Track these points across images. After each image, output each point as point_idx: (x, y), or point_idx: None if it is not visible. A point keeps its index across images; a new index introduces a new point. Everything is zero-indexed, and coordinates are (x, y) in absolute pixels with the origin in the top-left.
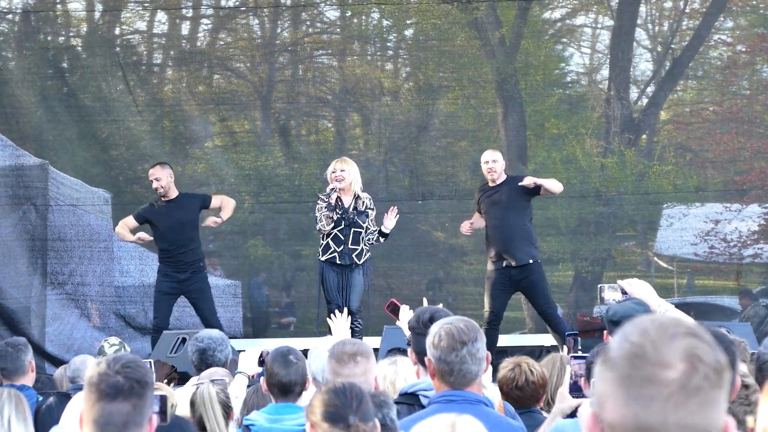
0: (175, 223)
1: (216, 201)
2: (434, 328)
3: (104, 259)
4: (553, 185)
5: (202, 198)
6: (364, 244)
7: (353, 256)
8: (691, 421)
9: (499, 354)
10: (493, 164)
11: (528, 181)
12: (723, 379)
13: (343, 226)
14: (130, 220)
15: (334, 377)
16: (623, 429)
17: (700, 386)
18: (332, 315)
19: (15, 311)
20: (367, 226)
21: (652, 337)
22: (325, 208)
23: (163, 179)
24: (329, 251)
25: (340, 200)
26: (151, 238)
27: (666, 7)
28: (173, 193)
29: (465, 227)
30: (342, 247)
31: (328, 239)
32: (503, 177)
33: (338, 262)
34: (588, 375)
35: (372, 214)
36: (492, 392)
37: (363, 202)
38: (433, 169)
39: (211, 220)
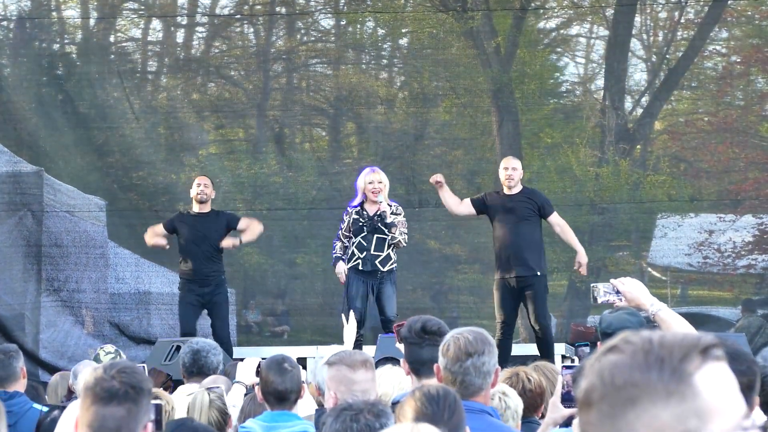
0: (199, 236)
1: (243, 223)
2: (447, 336)
3: (99, 266)
4: (572, 239)
5: (230, 218)
6: (392, 251)
7: (376, 262)
8: None
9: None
10: (513, 171)
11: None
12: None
13: (366, 233)
14: (159, 228)
15: (346, 385)
16: None
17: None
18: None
19: (9, 318)
20: (396, 233)
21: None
22: (349, 225)
23: (209, 187)
24: (354, 258)
25: (364, 209)
26: (166, 246)
27: (661, 18)
28: (208, 207)
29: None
30: (365, 253)
31: (353, 247)
32: (519, 187)
33: (361, 268)
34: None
35: (397, 219)
36: (515, 401)
37: (391, 209)
38: (428, 178)
39: (229, 242)
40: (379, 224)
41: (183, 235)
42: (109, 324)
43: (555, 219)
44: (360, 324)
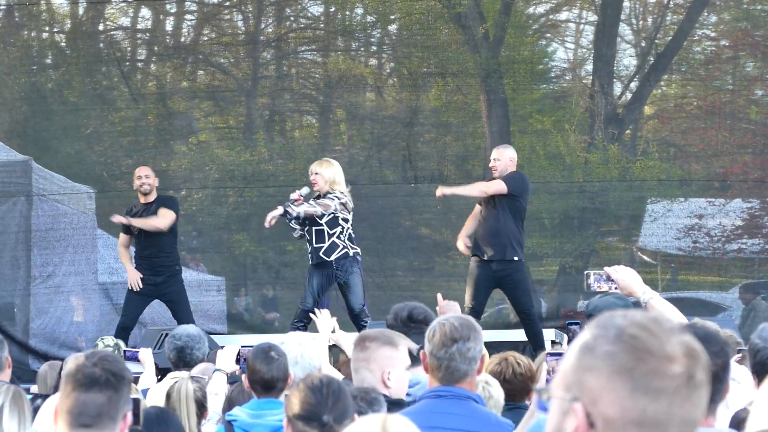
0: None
1: (161, 211)
2: (433, 322)
3: (89, 254)
4: (469, 191)
5: (165, 200)
6: (337, 239)
7: (320, 254)
8: (693, 415)
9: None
10: (494, 162)
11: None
12: (709, 375)
13: (307, 227)
14: (122, 237)
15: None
16: (624, 423)
17: (702, 381)
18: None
19: None
20: (338, 221)
21: (652, 330)
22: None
23: (151, 178)
24: (307, 252)
25: (317, 201)
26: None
27: (650, 2)
28: (153, 196)
29: (462, 244)
30: (310, 247)
31: (305, 241)
32: (507, 173)
33: (310, 262)
34: None
35: (333, 207)
36: (497, 390)
37: (331, 199)
38: (418, 164)
39: (121, 219)
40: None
41: (135, 228)
42: (99, 311)
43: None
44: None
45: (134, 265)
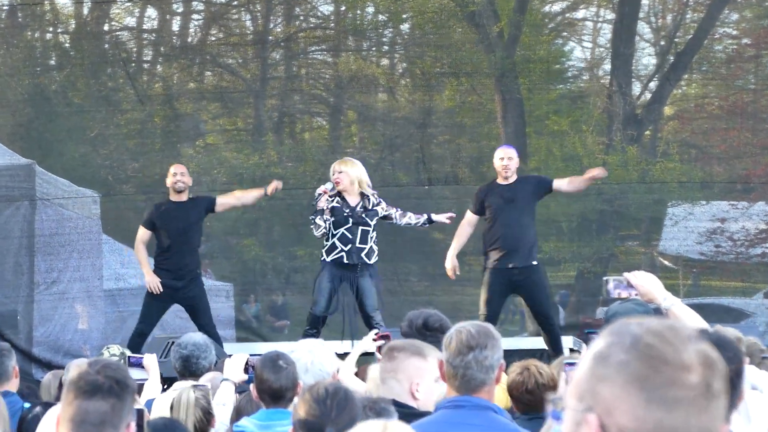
0: (181, 224)
1: (223, 198)
2: (450, 330)
3: (94, 260)
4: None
5: (208, 200)
6: (375, 244)
7: (362, 255)
8: (711, 426)
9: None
10: (509, 161)
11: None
12: (726, 383)
13: (350, 225)
14: (143, 232)
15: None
16: None
17: (720, 390)
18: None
19: (1, 314)
20: (386, 209)
21: (667, 338)
22: (314, 214)
23: (186, 175)
24: (335, 251)
25: (344, 200)
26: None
27: (669, 0)
28: (185, 196)
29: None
30: (350, 246)
31: (334, 239)
32: (515, 176)
33: (346, 261)
34: None
35: (380, 208)
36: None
37: (371, 200)
38: (432, 165)
39: (271, 187)
40: (363, 215)
41: (162, 226)
42: (104, 319)
43: (558, 182)
44: (322, 320)
45: (155, 265)
